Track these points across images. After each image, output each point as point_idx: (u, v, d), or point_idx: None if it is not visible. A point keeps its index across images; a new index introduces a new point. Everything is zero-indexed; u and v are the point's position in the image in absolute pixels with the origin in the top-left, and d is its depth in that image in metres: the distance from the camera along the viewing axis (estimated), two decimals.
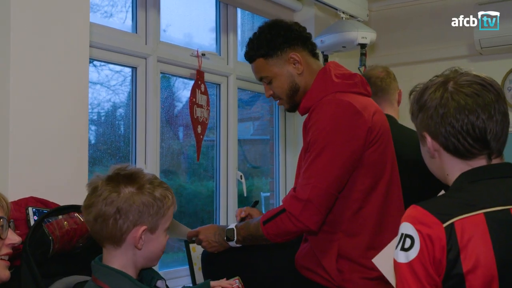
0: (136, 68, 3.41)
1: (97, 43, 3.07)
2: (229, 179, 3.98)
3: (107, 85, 3.50)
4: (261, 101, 4.62)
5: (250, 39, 2.66)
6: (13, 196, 2.23)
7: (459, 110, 1.58)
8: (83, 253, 2.22)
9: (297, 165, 2.59)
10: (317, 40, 4.03)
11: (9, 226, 1.79)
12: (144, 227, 1.80)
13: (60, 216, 2.21)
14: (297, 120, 4.45)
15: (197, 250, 3.49)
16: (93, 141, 3.47)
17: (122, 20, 3.49)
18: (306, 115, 2.55)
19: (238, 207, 4.03)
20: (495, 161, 1.63)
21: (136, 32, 3.43)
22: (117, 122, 3.55)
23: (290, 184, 4.43)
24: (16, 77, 2.40)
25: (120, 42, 3.27)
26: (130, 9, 3.46)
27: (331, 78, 2.51)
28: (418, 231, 1.50)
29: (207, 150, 4.00)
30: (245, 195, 4.07)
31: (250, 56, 2.65)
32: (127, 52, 3.32)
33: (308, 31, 2.55)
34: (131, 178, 1.82)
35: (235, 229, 2.48)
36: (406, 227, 1.53)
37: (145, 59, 3.42)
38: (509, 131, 1.66)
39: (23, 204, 2.25)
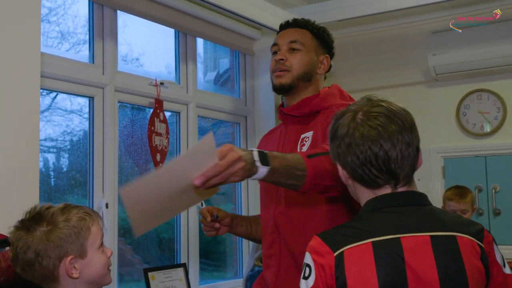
0: (93, 98, 3.38)
1: (52, 74, 3.05)
2: None
3: (80, 113, 3.48)
4: (222, 128, 4.61)
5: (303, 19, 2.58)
6: None
7: (362, 141, 1.59)
8: (31, 284, 2.16)
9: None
10: None
11: None
12: (69, 257, 1.76)
13: (7, 248, 2.16)
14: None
15: (156, 278, 3.44)
16: (64, 169, 3.45)
17: (79, 51, 3.48)
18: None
19: (199, 234, 4.00)
20: (401, 189, 1.64)
21: (93, 63, 3.40)
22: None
23: (252, 209, 4.40)
24: None
25: (76, 72, 3.25)
26: (87, 39, 3.44)
27: (347, 96, 2.46)
28: (314, 260, 1.56)
29: None
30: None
31: (303, 22, 2.52)
32: (83, 82, 3.29)
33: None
34: (38, 217, 1.78)
35: (268, 154, 1.86)
36: (307, 257, 1.59)
37: (102, 88, 3.40)
38: None
39: None
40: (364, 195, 1.66)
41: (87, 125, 3.44)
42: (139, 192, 1.72)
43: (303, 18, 2.56)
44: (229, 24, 4.17)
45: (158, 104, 3.65)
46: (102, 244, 1.85)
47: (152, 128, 3.57)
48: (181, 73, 4.02)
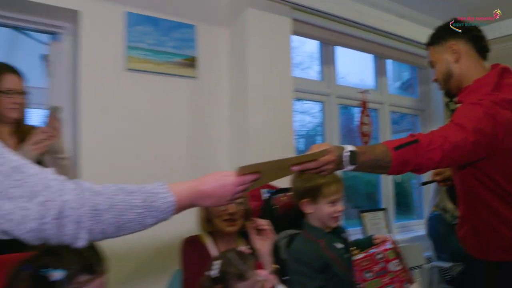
0: (323, 102, 3.60)
1: (300, 88, 3.32)
2: None
3: (309, 113, 3.77)
4: (406, 119, 4.59)
5: None
6: None
7: None
8: (298, 216, 2.29)
9: None
10: None
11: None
12: (305, 200, 1.92)
13: (282, 194, 2.37)
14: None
15: (367, 217, 3.57)
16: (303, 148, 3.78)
17: (313, 72, 3.73)
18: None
19: (395, 190, 4.05)
20: None
21: (323, 80, 3.63)
22: (316, 136, 3.81)
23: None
24: (253, 109, 2.73)
25: (312, 86, 3.49)
26: (319, 65, 3.68)
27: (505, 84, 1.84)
28: None
29: None
30: (397, 181, 4.09)
31: (427, 42, 2.04)
32: (317, 92, 3.52)
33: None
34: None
35: (357, 153, 1.52)
36: None
37: (328, 96, 3.60)
38: None
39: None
40: None
41: (315, 121, 3.70)
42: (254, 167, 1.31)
43: (430, 35, 2.03)
44: (408, 48, 4.12)
45: (364, 105, 3.78)
46: (335, 201, 1.89)
47: (361, 120, 3.72)
48: (378, 83, 4.10)
